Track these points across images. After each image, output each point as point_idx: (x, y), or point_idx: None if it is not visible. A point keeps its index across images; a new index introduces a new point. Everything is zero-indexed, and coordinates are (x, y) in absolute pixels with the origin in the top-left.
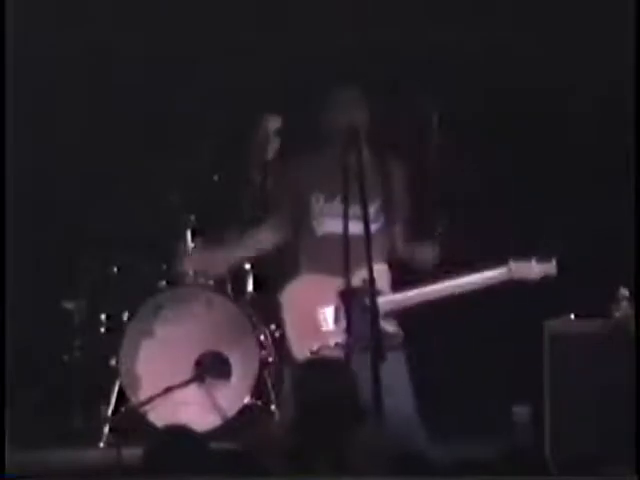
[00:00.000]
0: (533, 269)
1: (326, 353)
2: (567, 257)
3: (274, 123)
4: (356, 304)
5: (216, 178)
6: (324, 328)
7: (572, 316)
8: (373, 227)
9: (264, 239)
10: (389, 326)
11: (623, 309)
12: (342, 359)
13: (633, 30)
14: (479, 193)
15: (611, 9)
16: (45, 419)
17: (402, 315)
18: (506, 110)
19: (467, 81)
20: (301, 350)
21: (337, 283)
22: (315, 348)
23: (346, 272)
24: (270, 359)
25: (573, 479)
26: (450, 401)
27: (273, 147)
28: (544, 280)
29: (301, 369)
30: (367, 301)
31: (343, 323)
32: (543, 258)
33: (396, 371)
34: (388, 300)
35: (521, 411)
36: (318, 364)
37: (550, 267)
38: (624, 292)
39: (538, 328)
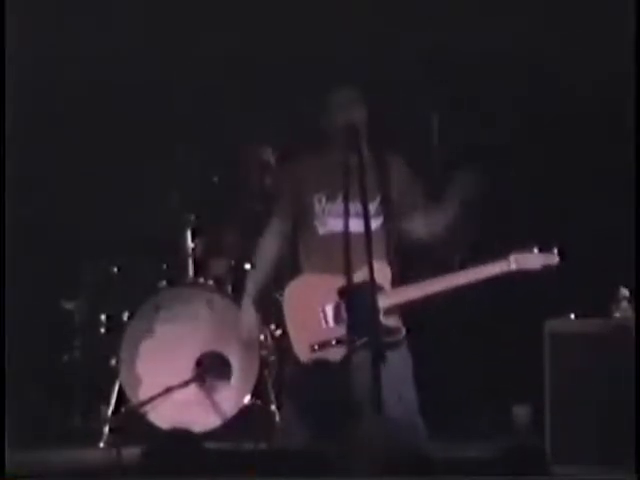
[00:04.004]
0: (534, 259)
1: (327, 350)
2: (567, 257)
3: (266, 155)
4: (357, 301)
5: (216, 180)
6: (325, 326)
7: (572, 316)
8: (374, 224)
9: (269, 249)
10: (391, 321)
11: (623, 309)
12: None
13: (633, 30)
14: (478, 193)
15: (611, 9)
16: (45, 419)
17: (403, 312)
18: (505, 110)
19: (467, 81)
20: (302, 348)
21: (338, 281)
22: (316, 345)
23: (347, 269)
24: (270, 359)
25: (573, 479)
26: (450, 401)
27: (268, 153)
28: (546, 270)
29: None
30: (368, 298)
31: (344, 320)
32: (544, 248)
33: (401, 368)
34: (389, 296)
35: (521, 411)
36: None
37: (551, 257)
38: (624, 292)
39: (538, 328)
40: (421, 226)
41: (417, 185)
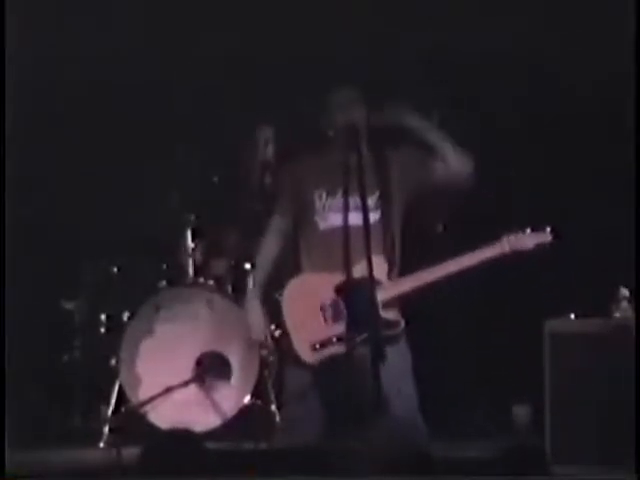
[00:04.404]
0: (527, 239)
1: (329, 348)
2: (567, 257)
3: (266, 133)
4: (355, 297)
5: (216, 180)
6: (325, 324)
7: (572, 316)
8: (372, 218)
9: (271, 248)
10: (389, 314)
11: (623, 309)
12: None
13: (633, 30)
14: (478, 192)
15: (611, 9)
16: (45, 419)
17: (402, 306)
18: (505, 110)
19: (467, 81)
20: (304, 348)
21: (336, 278)
22: (317, 344)
23: (347, 264)
24: (270, 359)
25: (573, 479)
26: (450, 400)
27: (268, 152)
28: (540, 249)
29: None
30: (365, 293)
31: (344, 317)
32: (537, 228)
33: (400, 365)
34: (386, 289)
35: (521, 411)
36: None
37: (544, 235)
38: (624, 292)
39: (538, 327)
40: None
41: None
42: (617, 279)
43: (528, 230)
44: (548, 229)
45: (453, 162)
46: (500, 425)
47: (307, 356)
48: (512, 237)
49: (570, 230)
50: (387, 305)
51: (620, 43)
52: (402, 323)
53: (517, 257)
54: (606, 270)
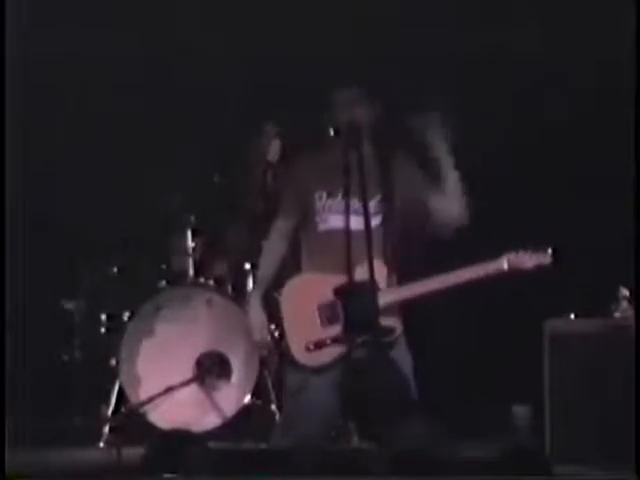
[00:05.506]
0: (527, 259)
1: (323, 349)
2: (567, 257)
3: (272, 131)
4: (354, 300)
5: (216, 179)
6: (321, 325)
7: (572, 316)
8: (373, 222)
9: (276, 251)
10: (386, 321)
11: (623, 309)
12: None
13: (633, 30)
14: (478, 191)
15: (611, 9)
16: (45, 419)
17: (401, 311)
18: (505, 110)
19: (466, 78)
20: (299, 348)
21: (335, 280)
22: (312, 345)
23: (348, 267)
24: (270, 359)
25: (573, 479)
26: (450, 400)
27: (273, 151)
28: (539, 270)
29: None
30: (364, 296)
31: (340, 319)
32: (537, 248)
33: (400, 367)
34: (384, 295)
35: (521, 411)
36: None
37: (544, 257)
38: (624, 292)
39: (538, 328)
40: (452, 205)
41: (422, 175)
42: (617, 279)
43: (529, 251)
44: (549, 251)
45: (450, 202)
46: (500, 425)
47: (301, 356)
48: (512, 256)
49: (570, 230)
50: (384, 311)
51: (620, 43)
52: (398, 330)
53: (522, 275)
54: (606, 270)
